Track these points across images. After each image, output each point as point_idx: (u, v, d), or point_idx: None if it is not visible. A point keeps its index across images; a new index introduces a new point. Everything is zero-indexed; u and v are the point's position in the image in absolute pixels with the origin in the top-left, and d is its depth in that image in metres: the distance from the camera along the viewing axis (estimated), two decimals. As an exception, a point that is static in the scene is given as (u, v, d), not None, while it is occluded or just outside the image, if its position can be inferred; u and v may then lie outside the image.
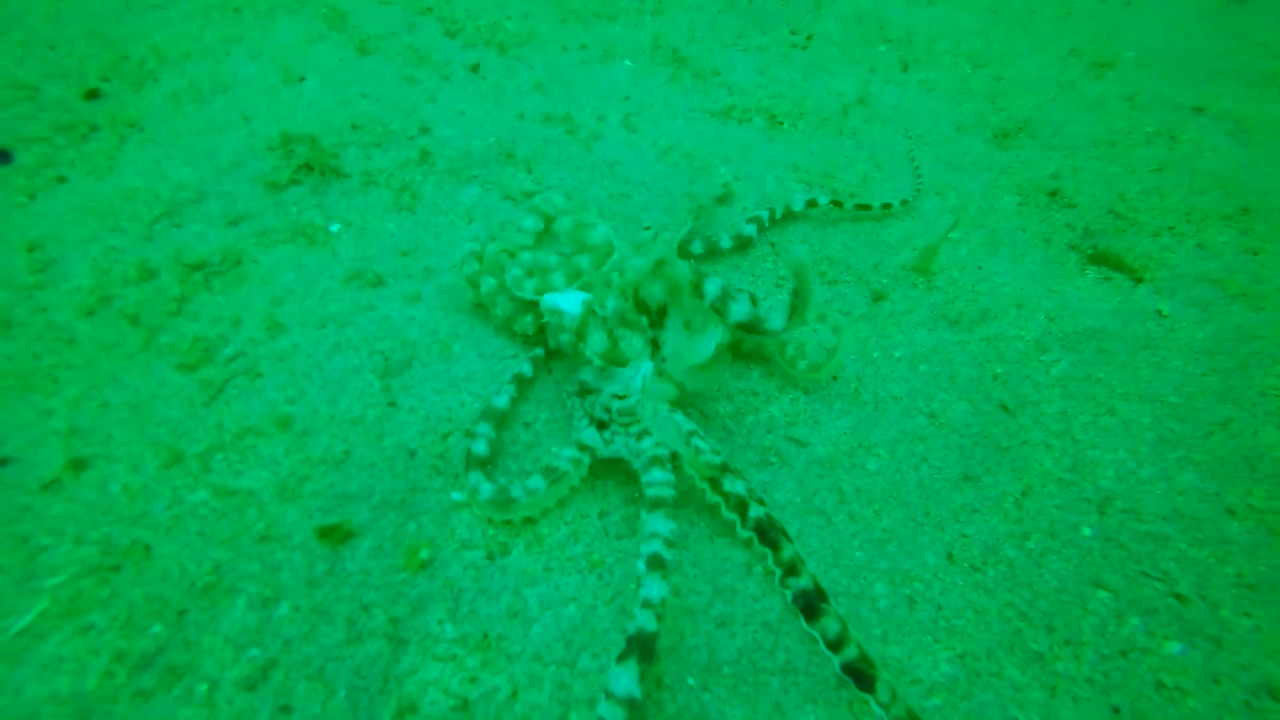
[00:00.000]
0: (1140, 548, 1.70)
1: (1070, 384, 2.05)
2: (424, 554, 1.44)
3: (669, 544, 1.40)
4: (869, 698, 1.33)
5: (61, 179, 2.53)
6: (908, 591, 1.57)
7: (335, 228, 2.35)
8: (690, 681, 1.32)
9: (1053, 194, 2.82)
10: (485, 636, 1.35)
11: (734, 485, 1.50)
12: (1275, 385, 2.03)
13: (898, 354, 2.06)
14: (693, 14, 3.98)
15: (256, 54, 3.16)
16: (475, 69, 3.23)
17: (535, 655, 1.33)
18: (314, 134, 2.59)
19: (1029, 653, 1.51)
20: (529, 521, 1.53)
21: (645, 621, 1.26)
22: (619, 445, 1.59)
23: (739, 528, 1.50)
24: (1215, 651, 1.52)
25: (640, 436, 1.56)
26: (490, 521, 1.52)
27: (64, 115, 2.78)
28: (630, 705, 1.17)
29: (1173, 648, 1.53)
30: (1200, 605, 1.60)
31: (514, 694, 1.29)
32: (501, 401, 1.69)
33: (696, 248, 2.29)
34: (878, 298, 2.24)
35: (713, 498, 1.51)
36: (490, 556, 1.47)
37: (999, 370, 2.05)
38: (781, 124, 3.12)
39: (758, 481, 1.70)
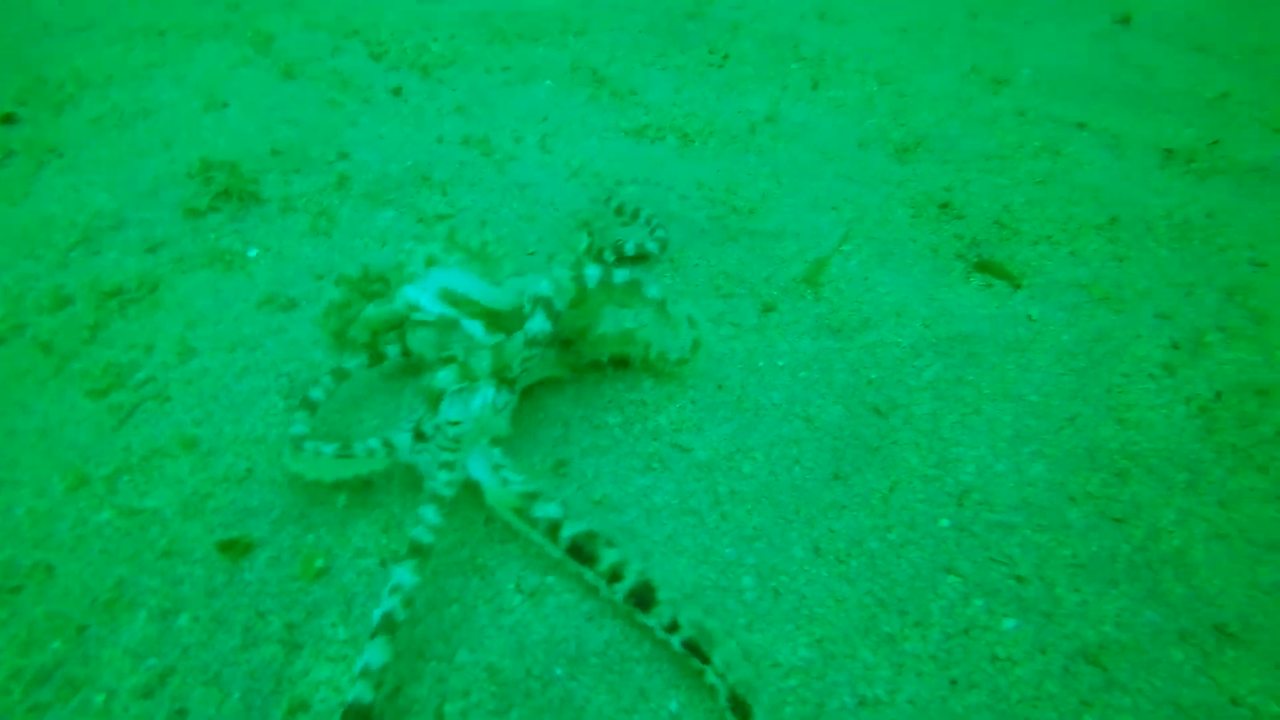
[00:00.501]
0: (990, 536, 1.87)
1: (941, 386, 2.23)
2: (319, 563, 1.54)
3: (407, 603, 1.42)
4: (707, 668, 1.45)
5: (-23, 207, 2.57)
6: (774, 584, 1.72)
7: (253, 253, 2.44)
8: (558, 671, 1.45)
9: (944, 206, 3.01)
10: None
11: (545, 510, 1.57)
12: (1119, 383, 2.23)
13: (780, 363, 2.22)
14: (616, 34, 4.12)
15: (180, 79, 3.22)
16: (397, 92, 3.33)
17: (418, 652, 1.45)
18: (234, 160, 2.68)
19: (881, 635, 1.66)
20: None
21: (361, 693, 1.29)
22: (422, 460, 1.65)
23: (550, 548, 1.56)
24: (1045, 624, 1.70)
25: (443, 466, 1.60)
26: (383, 530, 1.63)
27: (-19, 141, 2.82)
28: None
29: (1008, 624, 1.70)
30: (1037, 584, 1.78)
31: (398, 689, 1.40)
32: (316, 394, 1.77)
33: (609, 256, 2.43)
34: (767, 309, 2.40)
35: (520, 525, 1.59)
36: (383, 563, 1.59)
37: (874, 375, 2.22)
38: (693, 142, 3.28)
39: (639, 486, 1.84)
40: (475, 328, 1.83)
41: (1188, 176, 3.32)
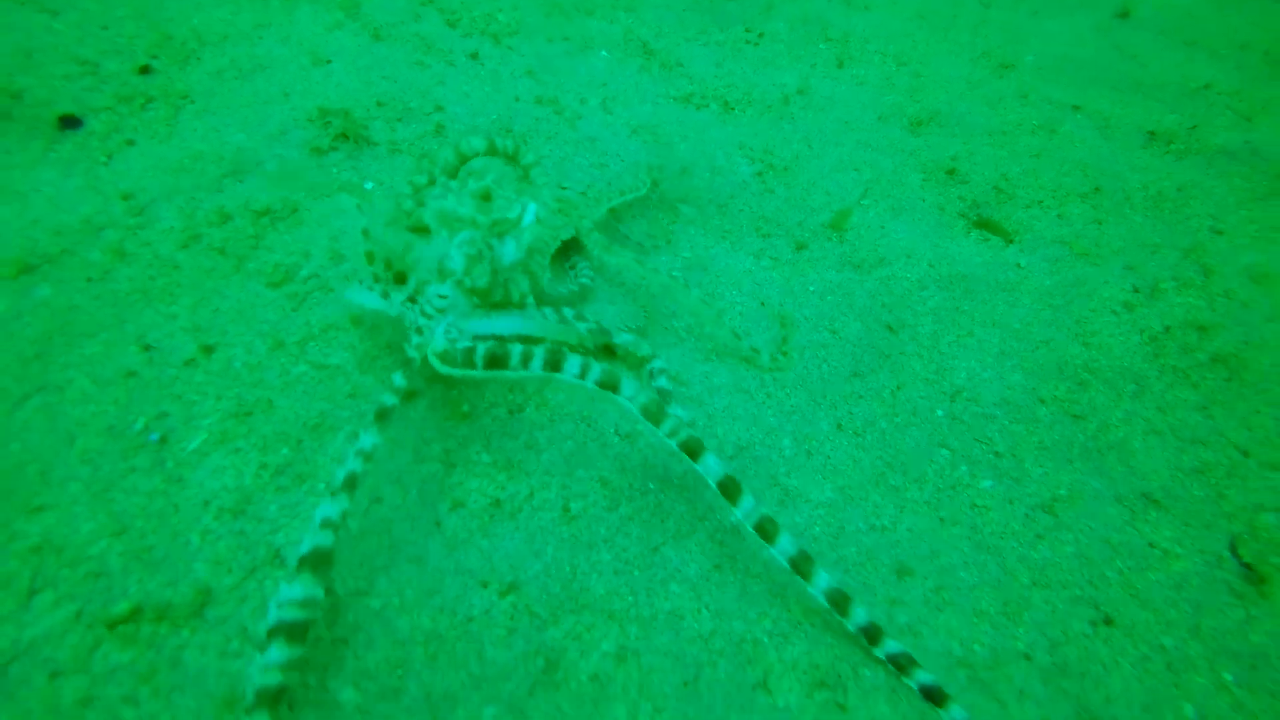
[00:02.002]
0: (975, 423, 2.37)
1: (941, 313, 2.72)
2: (464, 408, 2.04)
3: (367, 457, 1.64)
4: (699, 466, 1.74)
5: (130, 142, 3.03)
6: (806, 447, 2.22)
7: (369, 185, 2.91)
8: (651, 486, 1.96)
9: (950, 172, 3.48)
10: (509, 461, 1.97)
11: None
12: (1087, 316, 2.72)
13: (811, 288, 2.71)
14: (661, 11, 4.57)
15: (285, 38, 3.68)
16: (475, 56, 3.79)
17: (545, 470, 1.95)
18: (346, 108, 3.14)
19: (888, 486, 2.17)
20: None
21: (322, 540, 1.49)
22: (409, 314, 1.96)
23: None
24: (1014, 486, 2.20)
25: (416, 330, 1.90)
26: (509, 390, 2.13)
27: (123, 88, 3.27)
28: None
29: (985, 483, 2.20)
30: (1010, 459, 2.28)
31: (530, 494, 1.91)
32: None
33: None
34: (799, 247, 2.89)
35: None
36: (510, 412, 2.09)
37: (887, 301, 2.71)
38: (733, 109, 3.75)
39: (701, 371, 2.34)
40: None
41: (1166, 156, 3.78)
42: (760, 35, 4.44)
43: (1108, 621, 1.92)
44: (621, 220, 2.90)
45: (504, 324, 2.08)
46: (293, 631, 1.42)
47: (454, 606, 1.69)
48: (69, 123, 3.08)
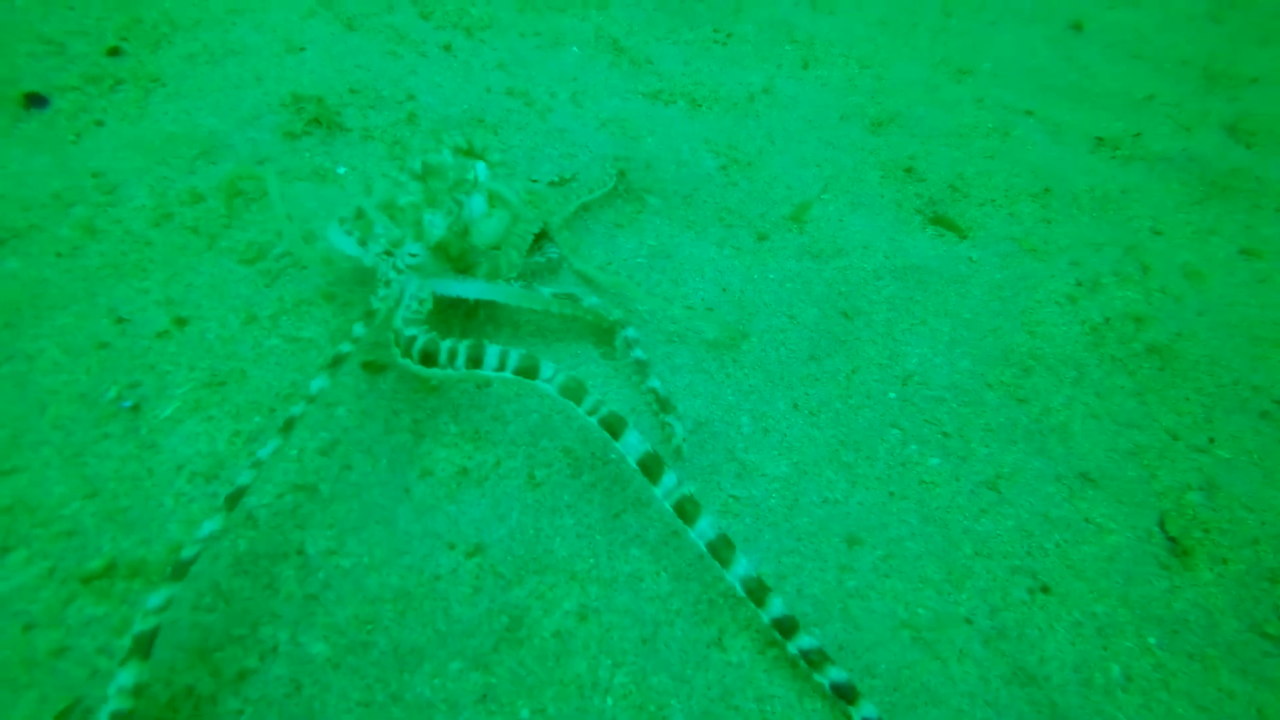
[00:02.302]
0: (926, 405, 2.49)
1: (896, 302, 2.84)
2: (434, 381, 2.10)
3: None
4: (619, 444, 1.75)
5: (99, 123, 3.04)
6: (764, 425, 2.31)
7: (342, 170, 2.96)
8: (612, 456, 2.04)
9: (908, 170, 3.62)
10: (476, 432, 2.04)
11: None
12: (1032, 307, 2.86)
13: (771, 276, 2.81)
14: (631, 10, 4.66)
15: (259, 25, 3.70)
16: (447, 48, 3.84)
17: (512, 440, 2.02)
18: (320, 95, 3.18)
19: (841, 463, 2.27)
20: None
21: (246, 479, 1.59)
22: (382, 266, 2.07)
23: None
24: (960, 464, 2.32)
25: (384, 283, 2.02)
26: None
27: (91, 68, 3.27)
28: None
29: (933, 461, 2.32)
30: (958, 439, 2.40)
31: (497, 463, 1.98)
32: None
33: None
34: (761, 237, 2.99)
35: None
36: (477, 386, 2.15)
37: (844, 289, 2.82)
38: (700, 106, 3.85)
39: (662, 353, 2.43)
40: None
41: (1112, 161, 3.97)
42: (728, 36, 4.56)
43: (1045, 590, 2.04)
44: (589, 213, 2.98)
45: (468, 288, 2.15)
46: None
47: (422, 566, 1.75)
48: (35, 101, 3.08)
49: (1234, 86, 4.76)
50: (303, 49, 3.57)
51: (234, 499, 1.55)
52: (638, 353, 2.29)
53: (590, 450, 2.04)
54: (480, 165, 2.22)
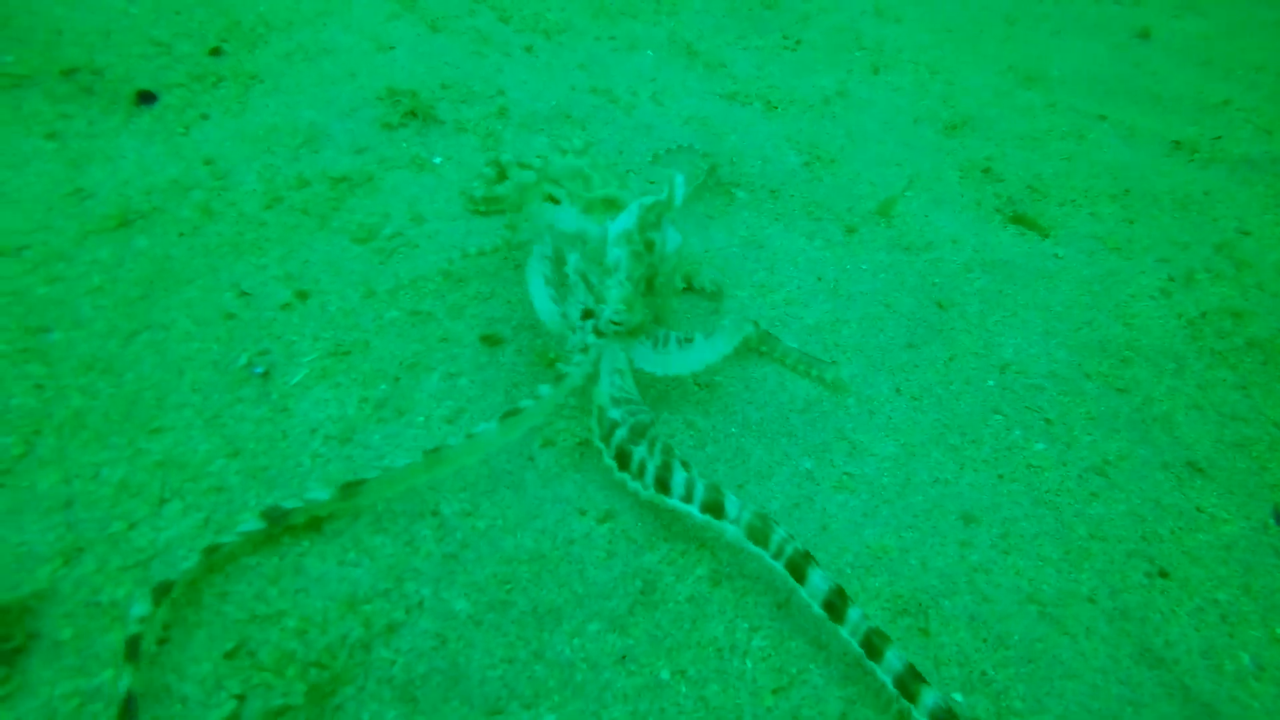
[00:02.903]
0: (1026, 393, 2.48)
1: (987, 294, 2.84)
2: (551, 355, 2.14)
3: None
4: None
5: (205, 116, 3.15)
6: (869, 407, 2.32)
7: (438, 160, 3.03)
8: (732, 430, 2.05)
9: (986, 171, 3.62)
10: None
11: (612, 413, 1.84)
12: (1126, 300, 2.84)
13: (864, 266, 2.83)
14: (701, 17, 4.73)
15: (348, 26, 3.82)
16: (529, 49, 3.93)
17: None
18: (414, 89, 3.27)
19: (947, 445, 2.27)
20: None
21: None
22: (575, 337, 1.98)
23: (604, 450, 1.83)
24: (1066, 450, 2.30)
25: (582, 350, 1.94)
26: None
27: (195, 67, 3.40)
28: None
29: (1039, 446, 2.30)
30: (1060, 426, 2.38)
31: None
32: None
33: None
34: (850, 230, 3.01)
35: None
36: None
37: (936, 280, 2.83)
38: (776, 108, 3.89)
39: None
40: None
41: (1191, 165, 3.94)
42: (797, 43, 4.61)
43: (1163, 574, 2.02)
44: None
45: (670, 362, 2.03)
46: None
47: (555, 530, 1.78)
48: (145, 98, 3.20)
49: (1308, 94, 4.72)
50: (392, 48, 3.67)
51: (160, 591, 1.48)
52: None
53: (711, 423, 2.07)
54: (678, 178, 2.08)
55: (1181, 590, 1.99)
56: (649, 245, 2.04)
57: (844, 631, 1.57)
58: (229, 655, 1.46)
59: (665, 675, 1.59)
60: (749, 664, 1.62)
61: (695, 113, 3.66)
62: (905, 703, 1.50)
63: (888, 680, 1.52)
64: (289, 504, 1.62)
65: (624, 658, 1.61)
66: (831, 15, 4.98)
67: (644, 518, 1.83)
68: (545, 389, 1.81)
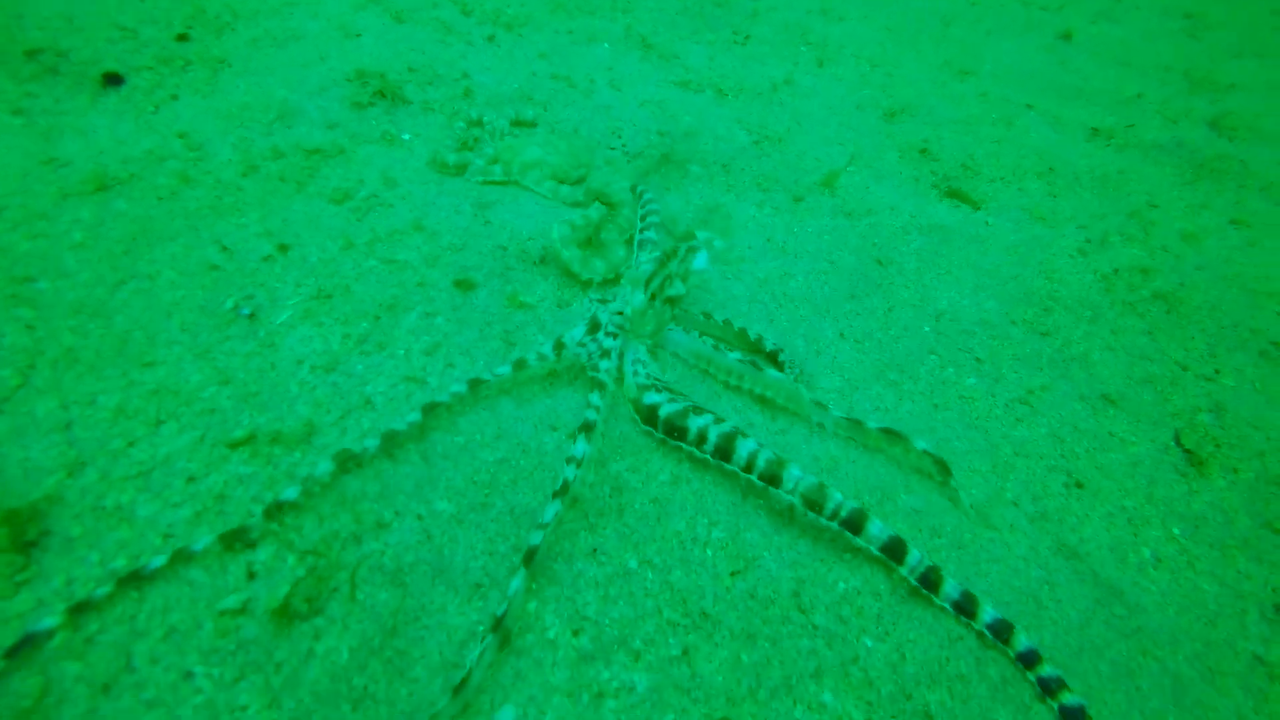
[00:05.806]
0: (958, 338, 2.71)
1: (923, 254, 3.08)
2: (520, 299, 2.30)
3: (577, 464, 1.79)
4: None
5: (174, 97, 3.25)
6: (815, 348, 2.52)
7: (406, 136, 3.18)
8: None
9: (923, 151, 3.89)
10: (561, 344, 2.23)
11: (650, 398, 1.99)
12: (1048, 259, 3.11)
13: (810, 229, 3.05)
14: (655, 14, 4.96)
15: (315, 14, 3.95)
16: (491, 39, 4.10)
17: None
18: (382, 71, 3.42)
19: (887, 381, 2.48)
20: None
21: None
22: (583, 353, 2.11)
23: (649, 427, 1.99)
24: (994, 384, 2.53)
25: (603, 355, 2.08)
26: (557, 288, 2.39)
27: (162, 51, 3.49)
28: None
29: (970, 381, 2.53)
30: (990, 365, 2.61)
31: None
32: None
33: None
34: (797, 199, 3.23)
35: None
36: (559, 305, 2.35)
37: (876, 241, 3.06)
38: (727, 94, 4.12)
39: (720, 287, 2.64)
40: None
41: (1108, 148, 4.27)
42: (747, 38, 4.86)
43: (1079, 485, 2.25)
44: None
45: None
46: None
47: (528, 444, 1.93)
48: (112, 79, 3.28)
49: (1213, 91, 5.12)
50: (359, 35, 3.82)
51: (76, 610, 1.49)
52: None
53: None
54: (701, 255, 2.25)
55: (1094, 498, 2.21)
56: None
57: (903, 570, 1.79)
58: (225, 537, 1.59)
59: (633, 564, 1.75)
60: (709, 552, 1.78)
61: (651, 97, 3.86)
62: (965, 619, 1.77)
63: (947, 606, 1.78)
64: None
65: (595, 550, 1.76)
66: (779, 13, 5.26)
67: (609, 433, 1.99)
68: (595, 397, 1.95)
